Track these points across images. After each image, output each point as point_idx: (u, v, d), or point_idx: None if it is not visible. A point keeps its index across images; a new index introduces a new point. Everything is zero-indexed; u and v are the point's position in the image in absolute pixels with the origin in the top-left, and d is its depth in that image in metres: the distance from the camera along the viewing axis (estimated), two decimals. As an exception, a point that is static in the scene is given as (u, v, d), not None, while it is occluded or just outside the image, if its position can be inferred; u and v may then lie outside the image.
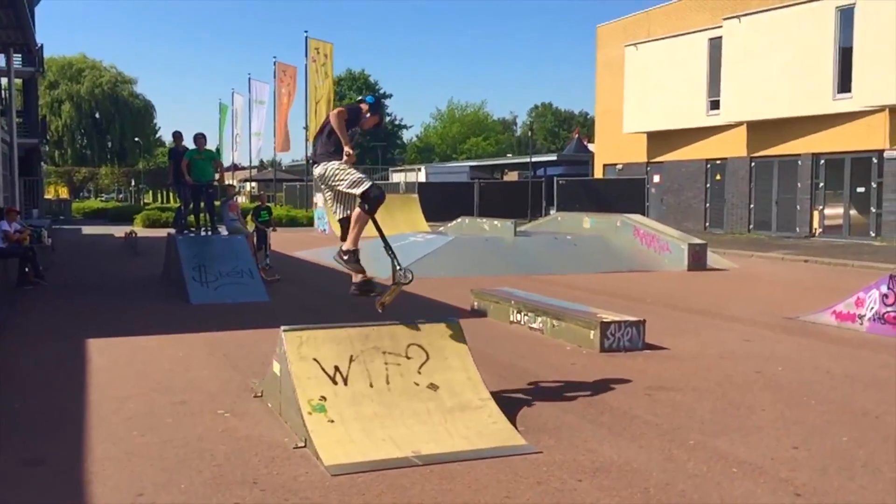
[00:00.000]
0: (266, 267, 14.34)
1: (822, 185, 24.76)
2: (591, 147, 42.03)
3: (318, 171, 6.02)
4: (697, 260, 16.37)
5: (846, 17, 22.90)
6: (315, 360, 5.41)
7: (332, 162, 5.93)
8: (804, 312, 10.26)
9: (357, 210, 5.97)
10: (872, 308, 9.20)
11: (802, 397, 6.28)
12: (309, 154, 6.41)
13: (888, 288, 9.03)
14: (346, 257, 6.07)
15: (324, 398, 5.19)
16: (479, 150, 76.88)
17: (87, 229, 32.12)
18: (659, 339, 8.49)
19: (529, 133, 47.26)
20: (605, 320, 8.15)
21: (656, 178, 31.24)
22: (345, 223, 6.14)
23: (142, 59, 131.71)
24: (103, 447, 5.02)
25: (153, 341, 8.45)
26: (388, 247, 6.21)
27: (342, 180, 5.92)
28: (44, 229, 18.43)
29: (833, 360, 7.73)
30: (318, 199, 30.97)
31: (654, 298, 12.16)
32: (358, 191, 5.87)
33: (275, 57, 41.32)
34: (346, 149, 5.90)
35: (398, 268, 6.12)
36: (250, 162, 52.01)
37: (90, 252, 21.29)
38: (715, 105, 27.49)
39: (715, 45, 27.35)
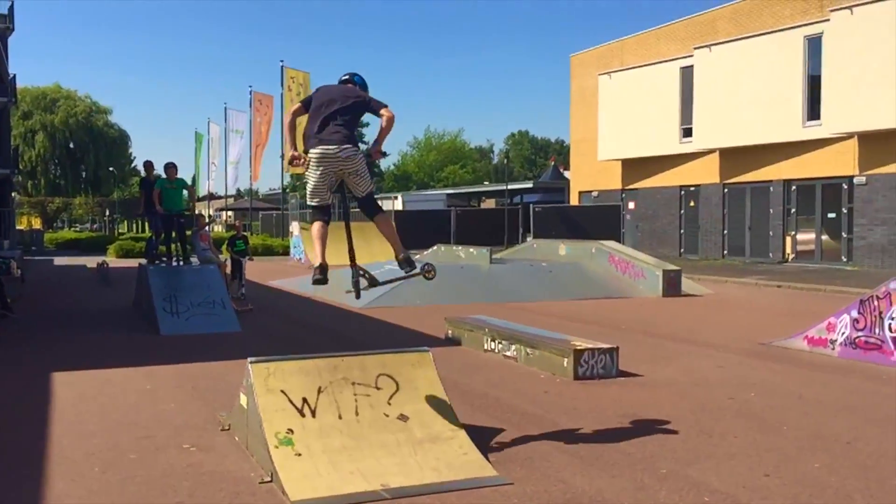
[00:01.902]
0: (241, 297, 14.21)
1: (793, 210, 25.05)
2: (566, 174, 42.33)
3: (345, 153, 5.67)
4: (672, 286, 16.43)
5: (814, 46, 23.33)
6: (283, 391, 5.31)
7: (360, 152, 5.82)
8: (777, 338, 10.29)
9: (382, 216, 6.08)
10: (844, 333, 9.25)
11: (775, 424, 6.26)
12: (316, 133, 5.94)
13: (858, 312, 9.09)
14: (408, 265, 6.03)
15: (291, 431, 5.09)
16: (456, 177, 77.13)
17: (60, 260, 31.72)
18: (633, 366, 8.46)
19: (505, 161, 47.55)
20: (578, 348, 8.12)
21: (631, 205, 31.46)
22: (323, 210, 5.87)
23: (117, 89, 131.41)
24: (63, 485, 4.88)
25: (120, 374, 8.29)
26: (351, 250, 6.15)
27: (363, 175, 5.83)
28: (13, 260, 18.17)
29: (805, 385, 7.74)
30: (294, 227, 30.84)
31: (628, 325, 12.16)
32: (370, 189, 5.93)
33: (251, 86, 41.36)
34: (381, 149, 5.99)
35: (358, 275, 6.09)
36: (226, 191, 51.84)
37: (61, 283, 21.00)
38: (688, 132, 27.81)
39: (687, 74, 27.73)
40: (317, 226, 5.93)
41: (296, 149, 5.83)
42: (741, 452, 5.50)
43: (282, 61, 35.80)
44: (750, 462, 5.28)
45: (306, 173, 5.81)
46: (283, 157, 36.68)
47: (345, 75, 6.11)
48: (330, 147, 5.66)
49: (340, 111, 5.75)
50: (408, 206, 45.47)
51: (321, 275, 5.92)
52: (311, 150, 5.70)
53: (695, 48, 26.88)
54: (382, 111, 5.81)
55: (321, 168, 5.71)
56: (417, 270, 6.13)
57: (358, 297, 6.19)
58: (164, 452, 5.52)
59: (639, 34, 31.01)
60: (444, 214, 38.07)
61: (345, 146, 5.69)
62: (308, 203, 5.95)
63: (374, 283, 6.14)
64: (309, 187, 5.84)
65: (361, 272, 6.08)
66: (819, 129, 23.02)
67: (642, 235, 30.41)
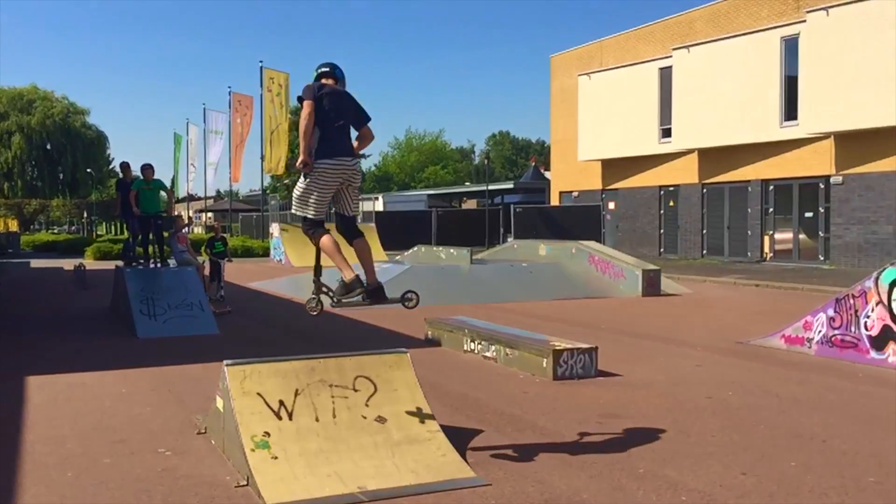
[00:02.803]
0: (219, 299, 14.11)
1: (771, 210, 25.25)
2: (547, 175, 42.43)
3: (357, 167, 5.60)
4: (652, 286, 16.50)
5: (791, 47, 23.53)
6: (259, 394, 5.27)
7: None
8: (755, 337, 10.36)
9: (362, 240, 5.74)
10: (820, 331, 9.32)
11: (751, 422, 6.29)
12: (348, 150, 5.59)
13: (835, 311, 9.17)
14: (379, 295, 5.72)
15: (267, 434, 5.05)
16: (437, 178, 77.07)
17: (36, 262, 31.31)
18: (612, 366, 8.48)
19: (486, 161, 47.68)
20: (557, 348, 8.12)
21: (611, 205, 31.59)
22: (321, 223, 5.56)
23: (95, 90, 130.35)
24: (35, 490, 4.81)
25: (95, 377, 8.19)
26: (318, 263, 5.80)
27: (359, 191, 5.79)
28: (-12, 263, 17.91)
29: (782, 384, 7.78)
30: (275, 228, 30.70)
31: (608, 325, 12.19)
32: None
33: (230, 87, 41.10)
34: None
35: (320, 292, 5.68)
36: (205, 192, 51.50)
37: (37, 286, 20.75)
38: (667, 133, 27.97)
39: (665, 75, 27.89)
40: (328, 240, 5.54)
41: (309, 153, 5.38)
42: (718, 451, 5.52)
43: (261, 62, 35.58)
44: (727, 461, 5.30)
45: (308, 182, 5.43)
46: (262, 158, 36.50)
47: (324, 67, 5.68)
48: (348, 160, 5.50)
49: (350, 124, 5.63)
50: (388, 207, 45.38)
51: (361, 284, 5.53)
52: (329, 160, 5.40)
53: (673, 49, 27.03)
54: (365, 131, 5.72)
55: (334, 180, 5.46)
56: (397, 298, 5.81)
57: (317, 314, 5.66)
58: (138, 457, 5.46)
59: (618, 35, 31.15)
60: (425, 215, 38.04)
61: (356, 159, 5.58)
62: (306, 216, 5.54)
63: (338, 302, 5.67)
64: (313, 199, 5.47)
65: (325, 289, 5.66)
66: (796, 129, 23.23)
67: (622, 235, 30.54)
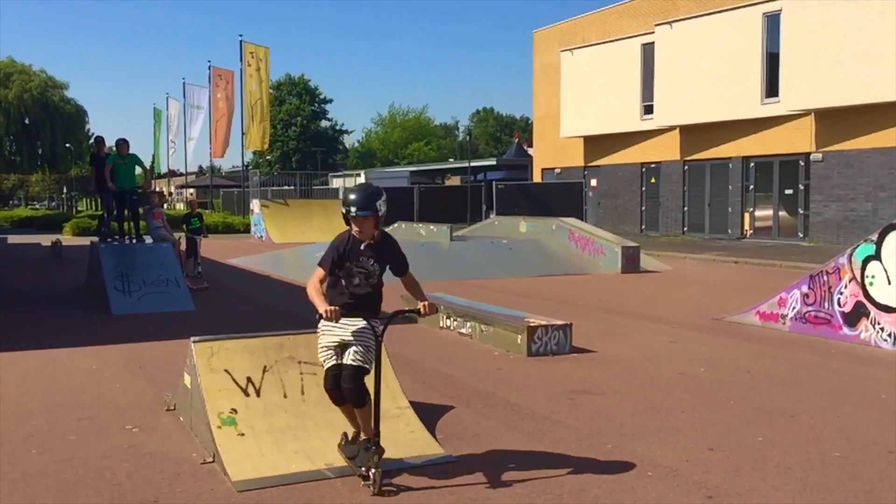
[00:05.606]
0: (197, 275, 14.01)
1: (752, 187, 25.33)
2: (530, 151, 42.32)
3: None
4: (631, 262, 16.54)
5: (773, 23, 23.49)
6: (226, 371, 5.22)
7: None
8: (730, 313, 10.40)
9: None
10: (794, 308, 9.37)
11: (722, 398, 6.32)
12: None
13: (808, 287, 9.21)
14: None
15: (234, 411, 5.02)
16: (421, 154, 76.76)
17: (14, 238, 30.94)
18: (587, 343, 8.50)
19: (468, 138, 47.43)
20: (532, 324, 8.12)
21: (593, 182, 31.57)
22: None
23: (73, 63, 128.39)
24: (-2, 468, 4.76)
25: (65, 354, 8.11)
26: (376, 423, 4.56)
27: None
28: (-38, 239, 17.67)
29: (754, 359, 7.83)
30: (255, 205, 30.49)
31: (586, 301, 12.21)
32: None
33: (209, 61, 40.65)
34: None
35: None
36: (186, 168, 51.09)
37: (13, 262, 20.50)
38: (649, 109, 27.92)
39: (648, 51, 27.79)
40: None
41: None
42: (687, 427, 5.54)
43: (240, 36, 35.20)
44: (695, 436, 5.32)
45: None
46: (244, 134, 36.16)
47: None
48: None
49: None
50: (372, 183, 45.08)
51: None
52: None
53: (656, 25, 26.91)
54: None
55: None
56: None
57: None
58: (105, 433, 5.41)
59: (600, 10, 30.96)
60: (408, 192, 37.86)
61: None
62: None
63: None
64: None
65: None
66: (777, 106, 23.25)
67: (604, 212, 30.56)
